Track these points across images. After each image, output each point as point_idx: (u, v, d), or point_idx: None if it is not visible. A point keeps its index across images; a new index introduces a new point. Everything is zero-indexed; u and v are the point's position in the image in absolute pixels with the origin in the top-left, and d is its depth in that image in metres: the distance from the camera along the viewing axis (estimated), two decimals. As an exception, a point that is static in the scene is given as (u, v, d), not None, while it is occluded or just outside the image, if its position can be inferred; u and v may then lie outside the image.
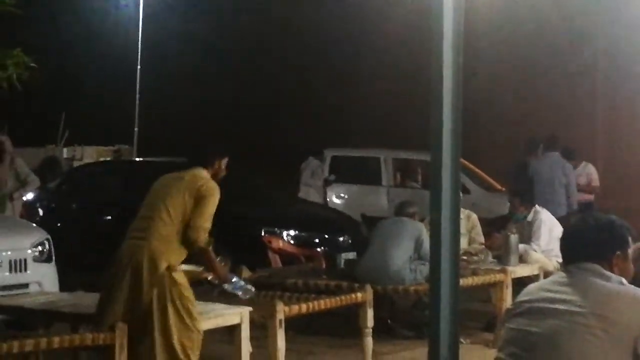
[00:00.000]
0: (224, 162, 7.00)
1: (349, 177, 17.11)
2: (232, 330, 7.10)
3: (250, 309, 7.15)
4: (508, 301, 8.33)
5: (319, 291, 8.26)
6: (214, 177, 6.90)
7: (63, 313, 7.48)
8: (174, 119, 27.97)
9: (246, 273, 8.99)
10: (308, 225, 12.00)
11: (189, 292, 6.60)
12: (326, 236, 11.73)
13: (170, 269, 6.52)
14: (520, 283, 8.33)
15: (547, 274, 8.99)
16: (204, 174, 6.85)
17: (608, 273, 3.49)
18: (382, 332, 8.45)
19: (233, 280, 7.06)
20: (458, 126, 5.37)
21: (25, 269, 9.37)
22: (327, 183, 16.56)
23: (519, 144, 14.43)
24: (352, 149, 18.34)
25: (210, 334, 7.06)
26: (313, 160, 16.65)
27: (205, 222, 6.64)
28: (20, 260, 9.36)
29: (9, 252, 9.31)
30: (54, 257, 9.68)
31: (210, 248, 6.78)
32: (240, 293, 7.04)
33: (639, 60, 21.61)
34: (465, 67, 5.41)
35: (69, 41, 29.75)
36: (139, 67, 27.82)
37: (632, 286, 3.50)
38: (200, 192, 6.66)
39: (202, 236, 6.61)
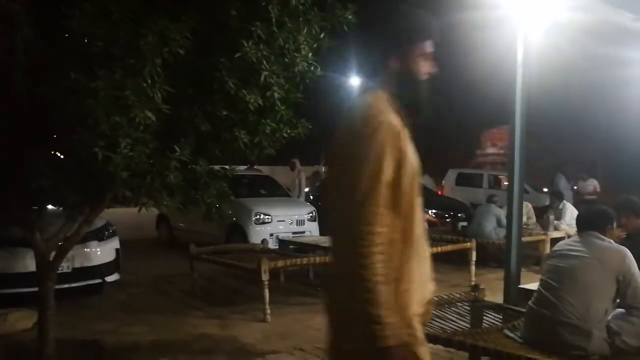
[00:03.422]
0: None
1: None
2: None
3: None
4: (547, 250, 7.94)
5: (447, 241, 7.89)
6: None
7: (322, 246, 7.42)
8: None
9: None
10: (442, 207, 11.62)
11: None
12: (451, 213, 11.34)
13: None
14: (554, 241, 7.91)
15: (569, 237, 8.46)
16: None
17: (602, 237, 3.42)
18: (479, 264, 8.00)
19: None
20: (523, 152, 5.19)
21: (303, 224, 9.47)
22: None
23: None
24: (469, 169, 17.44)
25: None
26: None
27: None
28: (301, 220, 9.48)
29: (296, 216, 9.47)
30: (317, 218, 9.66)
31: None
32: None
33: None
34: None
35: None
36: None
37: (616, 244, 3.39)
38: None
39: None
